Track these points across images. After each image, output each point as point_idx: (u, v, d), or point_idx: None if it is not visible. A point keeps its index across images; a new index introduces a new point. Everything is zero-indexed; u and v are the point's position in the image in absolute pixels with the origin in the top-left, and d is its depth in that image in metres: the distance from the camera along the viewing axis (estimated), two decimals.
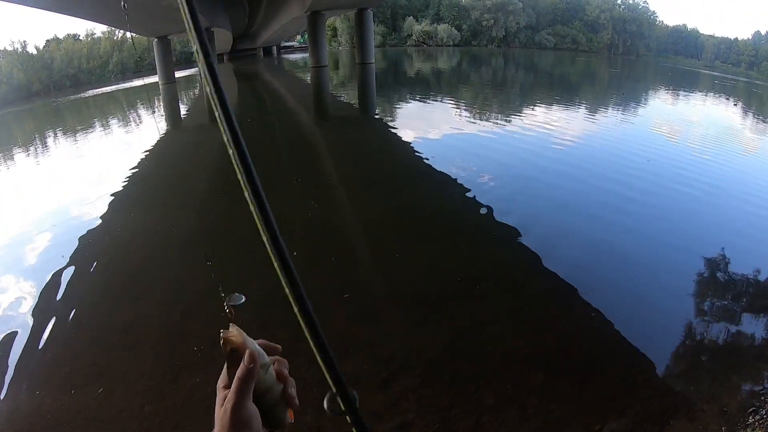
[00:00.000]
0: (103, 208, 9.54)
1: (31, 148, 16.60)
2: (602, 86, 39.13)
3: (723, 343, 5.61)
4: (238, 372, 0.81)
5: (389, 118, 20.19)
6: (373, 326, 5.67)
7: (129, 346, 5.27)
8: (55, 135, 17.20)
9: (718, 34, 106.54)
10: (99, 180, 11.47)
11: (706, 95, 36.67)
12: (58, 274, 7.08)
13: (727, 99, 35.13)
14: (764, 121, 26.08)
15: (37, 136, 19.56)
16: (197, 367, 4.75)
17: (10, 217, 10.34)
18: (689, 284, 6.81)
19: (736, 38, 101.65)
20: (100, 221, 8.95)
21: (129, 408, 4.30)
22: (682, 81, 46.04)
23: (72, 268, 7.27)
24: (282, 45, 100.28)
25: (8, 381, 4.87)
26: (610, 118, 21.75)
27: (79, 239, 8.25)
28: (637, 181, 10.98)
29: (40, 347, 5.38)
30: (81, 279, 7.04)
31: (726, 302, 6.51)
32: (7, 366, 5.10)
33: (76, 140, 16.33)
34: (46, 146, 16.42)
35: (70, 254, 7.73)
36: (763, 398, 4.66)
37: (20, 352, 5.32)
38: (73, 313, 6.07)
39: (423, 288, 6.47)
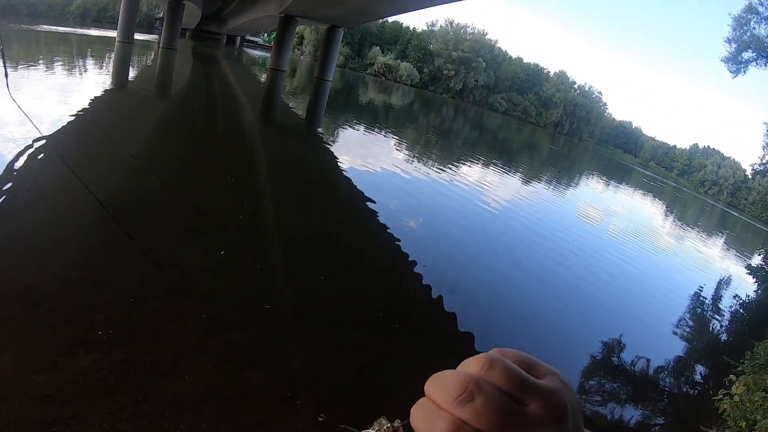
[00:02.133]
0: (23, 152, 9.05)
1: None
2: (540, 159, 41.29)
3: (609, 424, 6.29)
4: None
5: (330, 138, 20.59)
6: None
7: (28, 307, 4.92)
8: None
9: (659, 138, 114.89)
10: (25, 121, 11.00)
11: (634, 190, 39.60)
12: None
13: (654, 198, 38.18)
14: (681, 226, 28.67)
15: None
16: (97, 345, 4.60)
17: None
18: (583, 359, 7.63)
19: (675, 145, 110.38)
20: (19, 164, 8.45)
21: (18, 373, 4.07)
22: (616, 172, 49.30)
23: None
24: (246, 38, 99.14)
25: None
26: (540, 190, 23.16)
27: None
28: (546, 259, 11.90)
29: None
30: None
31: (615, 384, 7.33)
32: None
33: (15, 71, 15.66)
34: None
35: None
36: None
37: None
38: None
39: (333, 309, 6.76)
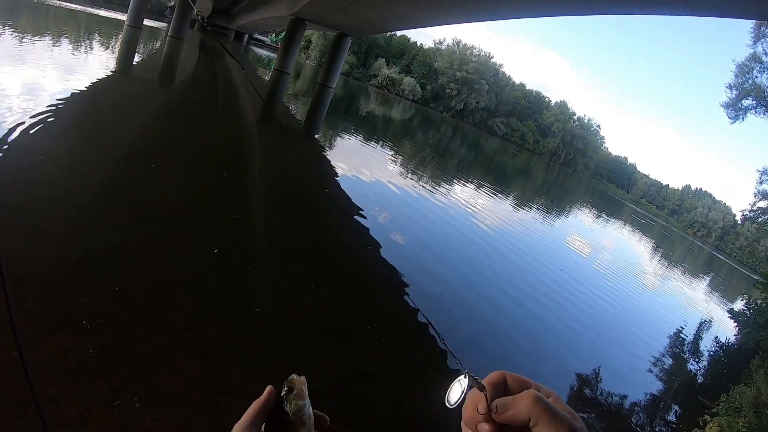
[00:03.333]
0: (23, 127, 9.01)
1: None
2: (534, 186, 41.60)
3: None
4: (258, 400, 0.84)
5: (328, 145, 20.64)
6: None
7: (10, 281, 4.89)
8: (2, 29, 16.26)
9: (653, 176, 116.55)
10: (29, 96, 10.94)
11: (624, 226, 39.97)
12: None
13: (642, 235, 38.58)
14: (667, 265, 28.90)
15: None
16: (77, 329, 4.57)
17: None
18: (561, 387, 7.67)
19: (668, 185, 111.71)
20: (18, 140, 8.46)
21: None
22: (607, 206, 49.74)
23: None
24: (254, 36, 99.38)
25: None
26: (530, 218, 23.31)
27: None
28: (531, 288, 11.97)
29: None
30: None
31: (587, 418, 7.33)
32: None
33: (21, 43, 15.57)
34: None
35: None
36: None
37: None
38: None
39: (320, 317, 6.76)
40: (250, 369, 5.10)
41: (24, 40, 16.23)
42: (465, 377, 0.71)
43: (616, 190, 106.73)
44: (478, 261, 12.31)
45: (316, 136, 22.65)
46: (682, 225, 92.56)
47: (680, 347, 13.46)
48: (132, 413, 3.94)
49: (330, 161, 16.97)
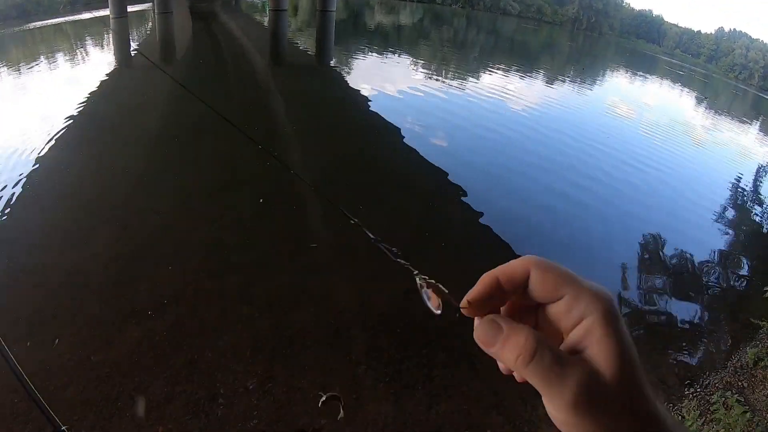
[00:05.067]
0: (48, 145, 8.83)
1: None
2: (562, 59, 39.69)
3: (660, 317, 6.14)
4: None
5: (345, 69, 20.05)
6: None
7: (74, 292, 4.99)
8: None
9: (682, 24, 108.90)
10: (44, 116, 10.86)
11: (662, 80, 37.86)
12: None
13: (683, 87, 36.49)
14: (713, 114, 27.28)
15: None
16: (144, 314, 4.72)
17: None
18: (629, 259, 7.51)
19: (699, 31, 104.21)
20: (45, 158, 8.28)
21: (75, 358, 4.16)
22: (641, 64, 47.13)
23: (15, 206, 6.93)
24: None
25: None
26: (566, 91, 22.30)
27: (25, 176, 7.72)
28: (585, 155, 11.49)
29: None
30: (23, 219, 6.42)
31: (660, 280, 7.16)
32: None
33: (19, 75, 15.54)
34: None
35: (12, 193, 7.14)
36: (696, 372, 5.16)
37: None
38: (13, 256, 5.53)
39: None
40: (315, 308, 5.16)
41: (20, 70, 16.06)
42: (418, 279, 0.63)
43: (647, 45, 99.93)
44: (522, 148, 11.87)
45: (332, 63, 22.03)
46: (722, 70, 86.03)
47: (741, 197, 12.52)
48: (211, 381, 4.04)
49: (351, 85, 16.49)
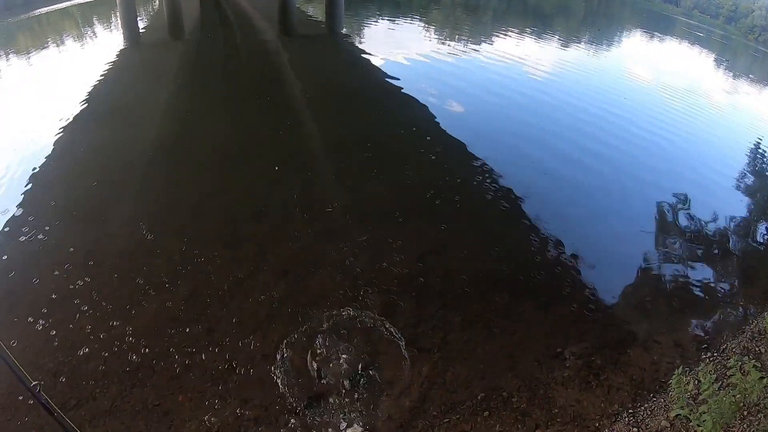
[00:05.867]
0: (62, 129, 8.77)
1: None
2: (576, 20, 38.76)
3: (678, 281, 6.08)
4: None
5: (356, 37, 19.77)
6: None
7: (93, 269, 5.02)
8: (7, 57, 16.09)
9: None
10: (56, 100, 10.72)
11: (680, 41, 36.90)
12: (17, 197, 6.50)
13: (701, 49, 35.53)
14: (733, 76, 26.50)
15: None
16: (161, 287, 4.79)
17: None
18: (647, 223, 7.44)
19: None
20: (60, 141, 8.37)
21: (97, 331, 4.26)
22: (658, 25, 45.82)
23: (32, 190, 6.76)
24: None
25: None
26: (582, 54, 21.80)
27: (43, 158, 7.58)
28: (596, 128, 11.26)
29: None
30: (43, 200, 6.46)
31: (680, 244, 7.05)
32: None
33: (29, 61, 15.41)
34: None
35: (31, 176, 7.12)
36: (713, 336, 5.11)
37: None
38: (34, 237, 5.57)
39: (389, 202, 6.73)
40: (330, 274, 5.19)
41: (30, 58, 15.91)
42: None
43: (664, 5, 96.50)
44: (541, 114, 11.63)
45: (343, 31, 21.69)
46: (742, 32, 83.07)
47: (761, 163, 12.09)
48: (229, 348, 4.09)
49: (363, 52, 16.16)
